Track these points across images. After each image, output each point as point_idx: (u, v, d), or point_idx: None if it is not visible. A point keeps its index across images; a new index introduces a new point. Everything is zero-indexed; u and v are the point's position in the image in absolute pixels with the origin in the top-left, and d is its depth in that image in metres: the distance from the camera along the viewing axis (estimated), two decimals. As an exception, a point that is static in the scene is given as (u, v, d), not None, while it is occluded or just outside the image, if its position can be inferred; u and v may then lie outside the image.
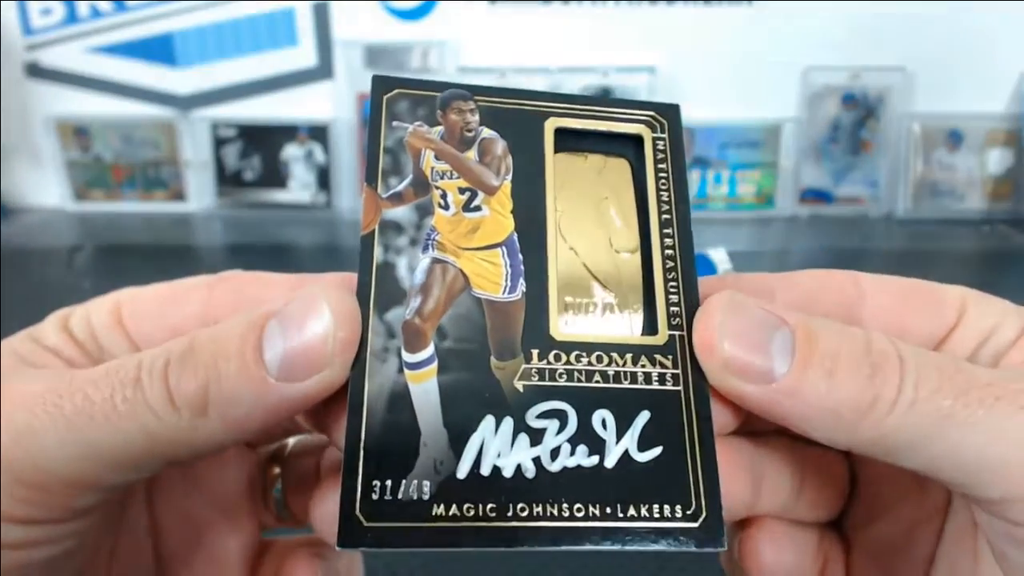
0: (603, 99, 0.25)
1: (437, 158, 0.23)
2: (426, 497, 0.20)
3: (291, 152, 1.08)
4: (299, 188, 1.08)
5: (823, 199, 1.09)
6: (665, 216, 0.24)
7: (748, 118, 1.06)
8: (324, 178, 1.08)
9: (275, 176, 1.08)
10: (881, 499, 0.26)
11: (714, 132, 1.06)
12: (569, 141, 0.25)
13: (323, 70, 1.07)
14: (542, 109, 0.24)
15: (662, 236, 0.24)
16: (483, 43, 1.05)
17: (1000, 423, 0.18)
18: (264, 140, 1.08)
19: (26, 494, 0.20)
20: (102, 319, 0.24)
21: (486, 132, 0.24)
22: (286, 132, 1.07)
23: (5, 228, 1.04)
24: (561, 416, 0.21)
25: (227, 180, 1.08)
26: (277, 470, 0.29)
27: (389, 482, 0.20)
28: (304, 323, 0.20)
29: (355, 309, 0.21)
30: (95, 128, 1.08)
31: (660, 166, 0.24)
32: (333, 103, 1.07)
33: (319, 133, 1.07)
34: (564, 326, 0.23)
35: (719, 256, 0.76)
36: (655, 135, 0.25)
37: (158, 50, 1.07)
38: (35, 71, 1.08)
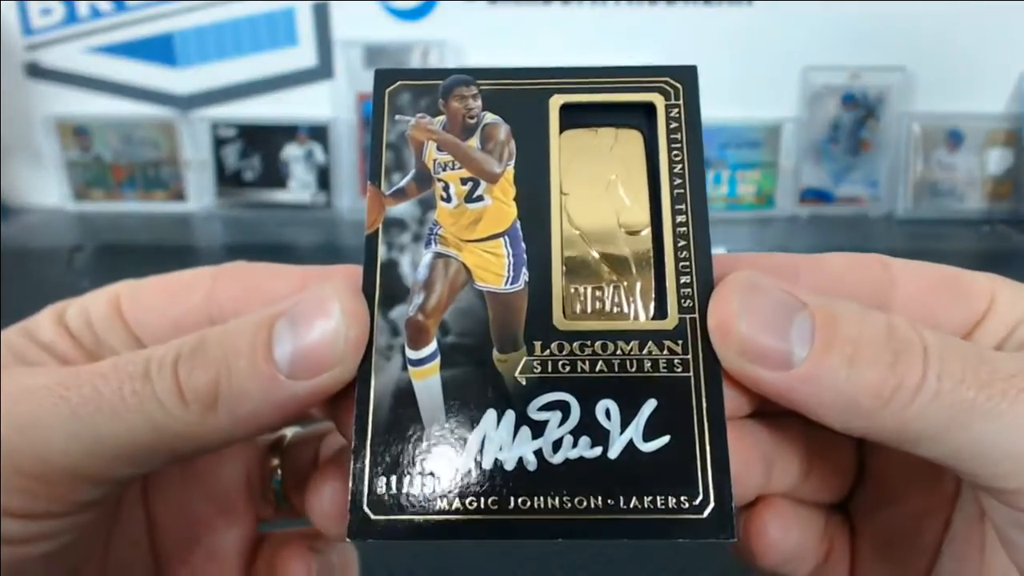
0: (613, 68, 0.24)
1: (439, 149, 0.23)
2: (430, 491, 0.20)
3: (291, 152, 1.08)
4: (299, 188, 1.08)
5: (823, 199, 1.09)
6: (678, 191, 0.23)
7: (748, 118, 1.06)
8: (324, 178, 1.08)
9: (275, 176, 1.08)
10: (890, 485, 0.25)
11: (714, 132, 1.06)
12: (578, 116, 0.24)
13: (323, 70, 1.07)
14: (548, 86, 0.23)
15: (674, 213, 0.22)
16: (483, 43, 1.05)
17: (1023, 415, 0.18)
18: (264, 140, 1.08)
19: (28, 486, 0.20)
20: (100, 312, 0.24)
21: (489, 117, 0.23)
22: (286, 132, 1.07)
23: (5, 228, 1.04)
24: (563, 407, 0.21)
25: (227, 180, 1.08)
26: (276, 461, 0.29)
27: (394, 477, 0.20)
28: (315, 322, 0.20)
29: (364, 308, 0.21)
30: (95, 128, 1.08)
31: (674, 136, 0.23)
32: (333, 103, 1.07)
33: (319, 133, 1.07)
34: (568, 314, 0.22)
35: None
36: (668, 102, 0.23)
37: (158, 50, 1.07)
38: (35, 71, 1.08)
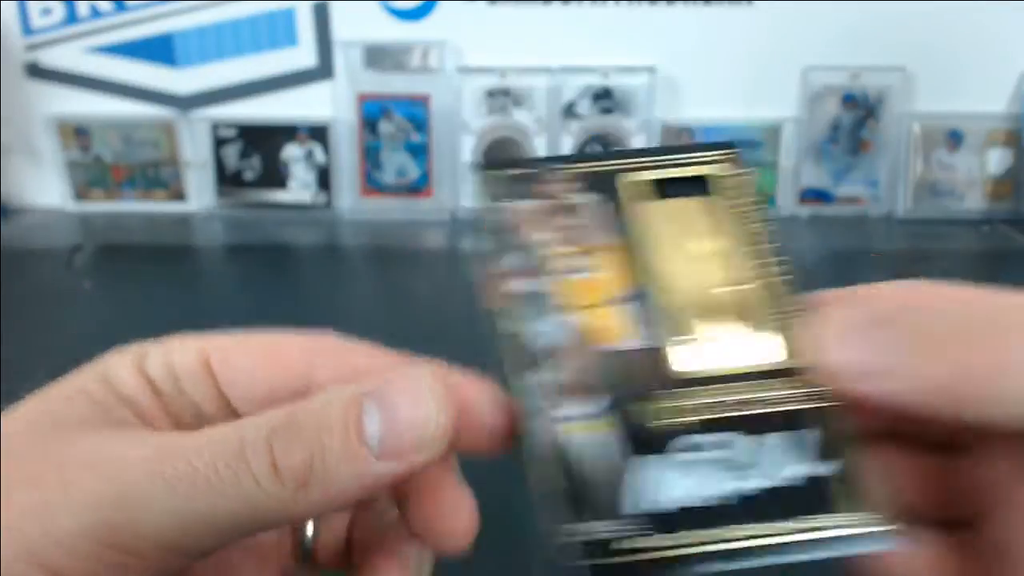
0: (673, 147, 0.28)
1: (539, 230, 0.25)
2: (600, 537, 0.22)
3: (291, 152, 1.08)
4: (299, 188, 1.08)
5: (823, 199, 1.09)
6: (763, 246, 0.26)
7: (748, 118, 1.06)
8: (324, 178, 1.08)
9: (275, 176, 1.08)
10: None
11: (714, 132, 1.06)
12: (654, 190, 0.27)
13: (323, 70, 1.07)
14: (621, 167, 0.27)
15: (765, 265, 0.25)
16: (483, 43, 1.05)
17: None
18: (264, 140, 1.08)
19: (122, 560, 0.20)
20: (188, 365, 0.24)
21: (578, 198, 0.26)
22: (286, 132, 1.07)
23: (5, 228, 1.04)
24: (705, 447, 0.23)
25: (227, 180, 1.08)
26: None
27: (571, 526, 0.22)
28: (405, 403, 0.21)
29: (450, 395, 0.22)
30: (95, 128, 1.08)
31: (739, 201, 0.26)
32: (333, 103, 1.07)
33: (319, 133, 1.07)
34: (687, 364, 0.24)
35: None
36: (726, 174, 0.27)
37: (158, 50, 1.07)
38: (35, 71, 1.08)
